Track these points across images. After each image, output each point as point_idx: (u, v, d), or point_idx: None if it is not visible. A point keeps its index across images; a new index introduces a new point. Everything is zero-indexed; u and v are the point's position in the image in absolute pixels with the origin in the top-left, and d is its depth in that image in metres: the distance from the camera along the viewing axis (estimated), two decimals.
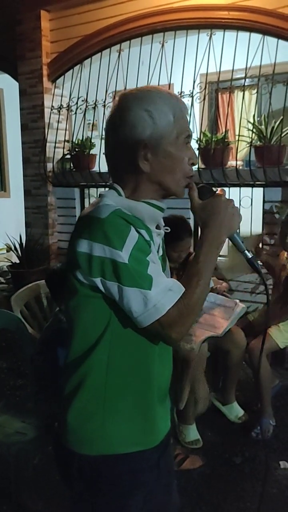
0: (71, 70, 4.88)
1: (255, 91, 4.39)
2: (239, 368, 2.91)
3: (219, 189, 1.13)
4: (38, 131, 5.16)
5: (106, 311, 1.04)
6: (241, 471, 2.46)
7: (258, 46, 3.77)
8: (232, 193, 4.09)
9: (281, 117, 3.77)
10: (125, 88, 4.39)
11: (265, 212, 3.97)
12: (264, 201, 3.97)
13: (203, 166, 4.18)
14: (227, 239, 1.11)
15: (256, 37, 3.81)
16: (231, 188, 4.10)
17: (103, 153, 1.14)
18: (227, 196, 1.11)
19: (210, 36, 3.98)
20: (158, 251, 1.13)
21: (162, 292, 0.98)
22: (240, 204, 4.04)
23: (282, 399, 3.08)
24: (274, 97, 3.82)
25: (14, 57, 5.19)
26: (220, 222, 1.07)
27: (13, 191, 7.50)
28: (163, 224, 1.17)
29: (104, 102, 4.54)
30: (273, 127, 3.82)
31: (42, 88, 5.04)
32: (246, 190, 4.03)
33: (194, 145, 4.14)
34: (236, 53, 3.87)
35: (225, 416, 2.89)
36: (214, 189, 1.14)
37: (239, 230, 1.14)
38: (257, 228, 4.01)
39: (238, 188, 4.04)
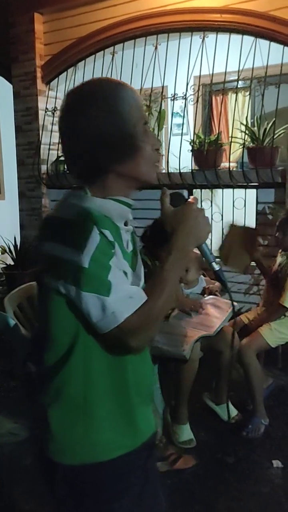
0: (65, 72, 4.89)
1: (248, 93, 4.42)
2: (232, 368, 2.92)
3: (191, 197, 1.12)
4: (32, 133, 5.17)
5: (75, 315, 1.00)
6: (234, 470, 2.47)
7: (250, 48, 3.80)
8: (226, 194, 4.13)
9: (274, 119, 3.79)
10: None
11: (258, 213, 3.99)
12: (257, 202, 3.99)
13: (196, 168, 4.19)
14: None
15: (248, 39, 3.83)
16: (224, 190, 4.13)
17: (62, 154, 1.11)
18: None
19: (203, 39, 4.00)
20: (127, 247, 1.10)
21: (122, 299, 0.95)
22: (233, 205, 4.07)
23: (275, 399, 3.10)
24: (266, 99, 3.85)
25: (7, 59, 5.20)
26: (189, 231, 1.05)
27: (7, 193, 7.48)
28: (131, 218, 1.14)
29: None
30: (265, 129, 3.85)
31: (36, 90, 5.05)
32: (240, 192, 4.06)
33: (187, 146, 4.17)
34: (229, 55, 3.89)
35: (218, 416, 2.90)
36: (186, 197, 1.13)
37: (211, 242, 1.13)
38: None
39: (231, 190, 4.06)
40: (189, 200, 1.10)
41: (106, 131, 1.01)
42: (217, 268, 1.14)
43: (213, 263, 1.13)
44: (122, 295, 0.96)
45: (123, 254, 1.05)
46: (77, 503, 1.09)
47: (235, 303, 2.84)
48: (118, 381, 1.08)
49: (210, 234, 1.09)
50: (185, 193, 4.38)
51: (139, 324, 0.96)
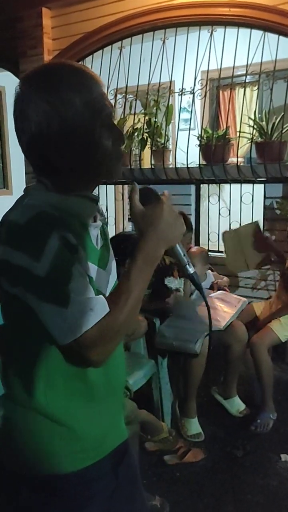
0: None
1: (256, 87, 4.39)
2: (240, 362, 2.93)
3: (164, 192, 1.02)
4: None
5: (35, 323, 0.93)
6: (242, 464, 2.49)
7: (259, 42, 3.77)
8: (233, 189, 4.12)
9: (282, 113, 3.77)
10: (127, 86, 4.41)
11: (266, 208, 3.98)
12: (265, 197, 3.98)
13: (204, 163, 4.19)
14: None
15: (257, 33, 3.81)
16: (232, 185, 4.12)
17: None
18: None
19: (211, 33, 3.98)
20: (97, 243, 1.04)
21: (80, 312, 0.88)
22: (241, 200, 4.06)
23: (283, 393, 3.11)
24: (275, 94, 3.83)
25: (15, 54, 5.19)
26: (159, 235, 0.96)
27: (15, 189, 7.51)
28: (100, 212, 1.06)
29: None
30: (274, 124, 3.83)
31: None
32: (247, 186, 4.05)
33: (195, 141, 4.16)
34: (237, 50, 3.87)
35: (227, 410, 2.92)
36: (159, 193, 1.03)
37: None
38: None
39: (239, 185, 4.05)
40: (162, 196, 1.01)
41: (59, 132, 0.93)
42: (191, 271, 1.07)
43: (187, 266, 1.06)
44: (82, 307, 0.88)
45: (92, 252, 0.99)
46: None
47: (244, 299, 2.88)
48: (87, 389, 1.03)
49: (181, 235, 1.02)
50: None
51: (99, 338, 0.89)
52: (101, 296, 0.94)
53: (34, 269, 0.87)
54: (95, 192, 1.07)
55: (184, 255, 1.05)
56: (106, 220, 1.09)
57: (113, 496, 1.07)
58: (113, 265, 1.10)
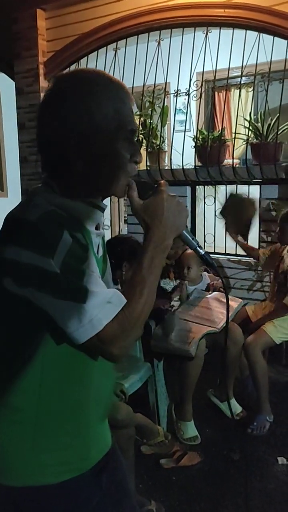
0: (68, 69, 4.87)
1: (251, 89, 4.39)
2: (236, 365, 2.92)
3: (161, 182, 1.02)
4: (35, 130, 5.12)
5: (38, 325, 0.92)
6: (239, 467, 2.47)
7: (254, 44, 3.78)
8: (229, 190, 4.11)
9: (277, 114, 3.78)
10: None
11: (261, 209, 3.98)
12: (260, 198, 3.98)
13: (199, 164, 4.18)
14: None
15: (252, 34, 3.81)
16: (228, 186, 4.12)
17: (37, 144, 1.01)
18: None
19: (206, 34, 3.98)
20: (98, 252, 1.04)
21: (99, 306, 0.87)
22: None
23: (280, 396, 3.10)
24: (270, 95, 3.83)
25: (10, 56, 5.18)
26: (165, 224, 0.96)
27: (10, 191, 7.49)
28: (103, 222, 1.06)
29: None
30: (269, 125, 3.83)
31: (39, 87, 5.02)
32: (243, 188, 4.05)
33: (190, 143, 4.16)
34: (232, 51, 3.87)
35: (223, 413, 2.90)
36: (155, 184, 1.03)
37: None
38: (254, 225, 4.02)
39: (234, 186, 4.05)
40: (159, 186, 1.00)
41: (84, 132, 0.93)
42: (202, 253, 1.07)
43: (197, 248, 1.07)
44: (100, 300, 0.87)
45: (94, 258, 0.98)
46: None
47: (240, 300, 2.88)
48: (79, 397, 1.01)
49: (186, 220, 1.02)
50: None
51: (120, 330, 0.88)
52: (115, 289, 0.93)
53: (48, 266, 0.85)
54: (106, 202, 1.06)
55: (192, 238, 1.05)
56: (104, 232, 1.09)
57: (98, 505, 1.05)
58: (110, 278, 1.10)
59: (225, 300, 2.82)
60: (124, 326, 0.89)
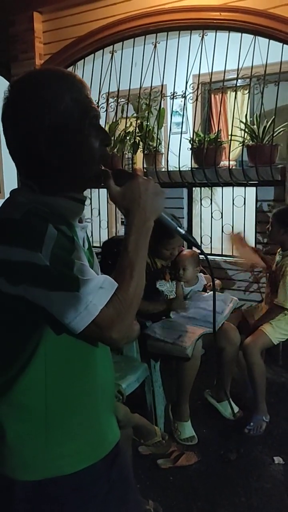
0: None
1: (247, 91, 4.42)
2: (233, 365, 2.93)
3: (135, 168, 1.05)
4: None
5: (35, 322, 0.94)
6: (236, 467, 2.48)
7: (249, 46, 3.80)
8: (225, 192, 4.14)
9: (273, 116, 3.80)
10: (118, 90, 4.42)
11: (258, 211, 4.00)
12: (257, 200, 4.00)
13: (196, 166, 4.20)
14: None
15: (247, 37, 3.84)
16: (224, 188, 4.14)
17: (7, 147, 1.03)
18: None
19: (202, 37, 4.00)
20: (84, 245, 1.05)
21: (92, 292, 0.89)
22: (233, 203, 4.08)
23: (276, 396, 3.11)
24: (265, 97, 3.86)
25: (7, 58, 5.19)
26: (143, 206, 0.98)
27: (7, 192, 7.49)
28: (86, 216, 1.10)
29: (98, 103, 4.55)
30: (265, 127, 3.86)
31: None
32: (239, 190, 4.07)
33: (187, 145, 4.18)
34: (228, 53, 3.90)
35: (220, 413, 2.92)
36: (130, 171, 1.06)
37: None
38: (251, 227, 4.05)
39: (231, 188, 4.07)
40: (134, 172, 1.03)
41: (50, 127, 0.95)
42: (183, 232, 1.10)
43: (178, 228, 1.09)
44: (92, 286, 0.89)
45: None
46: None
47: (235, 298, 2.91)
48: (86, 388, 1.03)
49: (164, 201, 1.03)
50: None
51: (115, 314, 0.90)
52: (105, 275, 0.95)
53: (38, 260, 0.87)
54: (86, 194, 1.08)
55: (172, 219, 1.08)
56: (87, 225, 1.11)
57: (106, 499, 1.07)
58: (98, 270, 1.11)
59: (221, 299, 2.84)
60: (119, 309, 0.91)
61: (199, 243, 4.33)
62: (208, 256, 4.16)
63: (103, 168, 1.03)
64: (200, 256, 2.99)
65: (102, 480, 1.07)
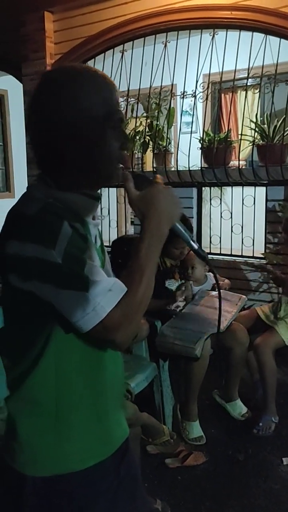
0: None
1: (258, 90, 4.40)
2: (242, 365, 2.92)
3: (156, 176, 1.06)
4: None
5: (46, 317, 0.94)
6: (244, 467, 2.48)
7: (260, 45, 3.79)
8: (235, 192, 4.12)
9: (284, 116, 3.78)
10: (128, 89, 4.42)
11: (268, 211, 3.98)
12: (267, 200, 3.98)
13: (206, 165, 4.19)
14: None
15: (258, 36, 3.82)
16: (234, 187, 4.13)
17: (27, 142, 1.06)
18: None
19: (213, 36, 4.00)
20: (96, 242, 1.07)
21: (101, 294, 0.89)
22: (243, 203, 4.07)
23: (286, 397, 3.09)
24: (276, 97, 3.84)
25: (18, 58, 5.22)
26: (160, 212, 0.99)
27: (17, 191, 7.55)
28: (99, 213, 1.12)
29: None
30: (275, 126, 3.84)
31: None
32: (249, 189, 4.06)
33: (196, 144, 4.17)
34: (239, 53, 3.88)
35: (228, 413, 2.91)
36: (151, 177, 1.07)
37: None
38: (260, 227, 4.03)
39: (241, 187, 4.06)
40: (155, 180, 1.04)
41: (74, 122, 0.96)
42: (196, 247, 1.10)
43: (191, 241, 1.09)
44: (101, 288, 0.89)
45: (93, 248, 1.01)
46: None
47: (244, 296, 2.88)
48: (95, 384, 1.04)
49: (180, 211, 1.04)
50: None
51: (122, 317, 0.91)
52: (115, 278, 0.96)
53: (50, 257, 0.87)
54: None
55: (185, 230, 1.08)
56: (100, 222, 1.12)
57: (116, 496, 1.08)
58: (109, 268, 1.13)
59: (229, 298, 2.83)
60: (126, 312, 0.91)
61: (208, 243, 4.34)
62: (217, 256, 4.17)
63: (124, 170, 1.05)
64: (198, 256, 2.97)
65: (112, 476, 1.08)
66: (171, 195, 1.03)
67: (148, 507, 1.27)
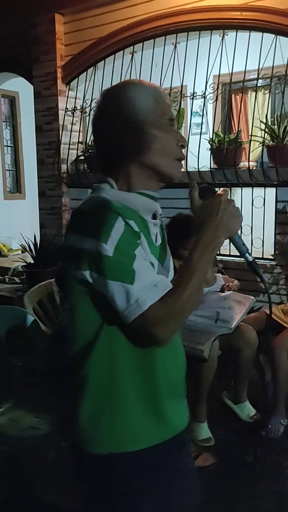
0: (85, 73, 4.93)
1: (268, 91, 4.39)
2: (250, 367, 2.91)
3: (221, 189, 1.10)
4: (52, 133, 5.22)
5: (100, 305, 1.02)
6: (253, 469, 2.47)
7: (270, 46, 3.78)
8: (245, 193, 4.11)
9: None
10: None
11: (278, 211, 3.96)
12: (276, 201, 3.96)
13: (215, 166, 4.19)
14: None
15: (268, 37, 3.81)
16: (243, 188, 4.11)
17: (93, 151, 1.14)
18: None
19: (223, 37, 3.99)
20: (156, 240, 1.12)
21: (146, 288, 0.96)
22: (252, 204, 4.05)
23: None
24: (286, 97, 3.82)
25: (28, 60, 5.27)
26: (218, 223, 1.03)
27: (28, 193, 7.59)
28: (160, 213, 1.15)
29: None
30: (285, 127, 3.82)
31: (57, 91, 5.10)
32: (259, 190, 4.03)
33: (206, 145, 4.17)
34: (249, 53, 3.88)
35: (237, 415, 2.90)
36: (216, 189, 1.11)
37: (241, 232, 1.12)
38: (270, 228, 4.01)
39: (250, 188, 4.04)
40: (219, 192, 1.08)
41: (135, 122, 1.05)
42: (251, 260, 1.13)
43: (246, 254, 1.12)
44: (147, 283, 0.96)
45: (151, 246, 1.06)
46: (104, 494, 1.11)
47: (252, 297, 2.88)
48: (144, 372, 1.08)
49: (240, 225, 1.08)
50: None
51: (163, 313, 0.96)
52: (163, 276, 1.03)
53: (102, 250, 0.95)
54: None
55: (243, 244, 1.12)
56: (161, 222, 1.18)
57: (171, 487, 1.13)
58: (171, 264, 1.18)
59: (238, 298, 2.82)
60: (167, 309, 0.96)
61: None
62: (226, 257, 4.13)
63: (194, 182, 1.11)
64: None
65: (168, 467, 1.14)
66: (233, 207, 1.06)
67: (200, 498, 1.29)
